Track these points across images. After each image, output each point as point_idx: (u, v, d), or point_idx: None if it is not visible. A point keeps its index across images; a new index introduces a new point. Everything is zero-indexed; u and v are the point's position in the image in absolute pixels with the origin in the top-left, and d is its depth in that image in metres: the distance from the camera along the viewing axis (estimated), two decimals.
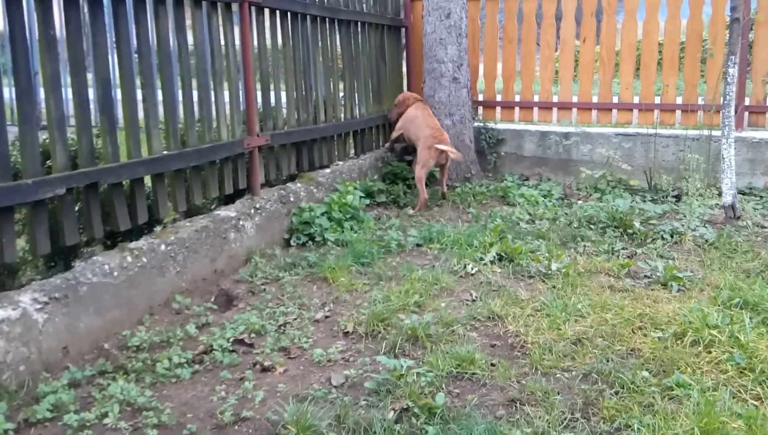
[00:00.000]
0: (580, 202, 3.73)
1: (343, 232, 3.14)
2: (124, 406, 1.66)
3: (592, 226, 3.25)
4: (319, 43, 3.66)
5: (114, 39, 2.35)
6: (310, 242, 3.06)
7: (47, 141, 2.12)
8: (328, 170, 3.65)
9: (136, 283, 2.17)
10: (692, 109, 4.17)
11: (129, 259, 2.18)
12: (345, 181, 3.58)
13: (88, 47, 2.38)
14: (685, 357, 1.86)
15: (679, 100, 4.28)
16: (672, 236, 3.09)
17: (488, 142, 4.47)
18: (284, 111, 3.36)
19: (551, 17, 4.51)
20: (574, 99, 4.53)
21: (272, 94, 3.25)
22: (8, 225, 1.91)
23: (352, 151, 4.15)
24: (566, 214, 3.47)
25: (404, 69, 4.81)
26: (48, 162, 2.13)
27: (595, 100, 4.52)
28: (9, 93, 3.18)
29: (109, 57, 2.35)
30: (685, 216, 3.38)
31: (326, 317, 2.26)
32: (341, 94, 3.95)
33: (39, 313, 1.83)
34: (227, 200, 2.95)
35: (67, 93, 2.36)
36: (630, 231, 3.16)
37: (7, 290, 1.89)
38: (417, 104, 3.98)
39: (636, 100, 4.41)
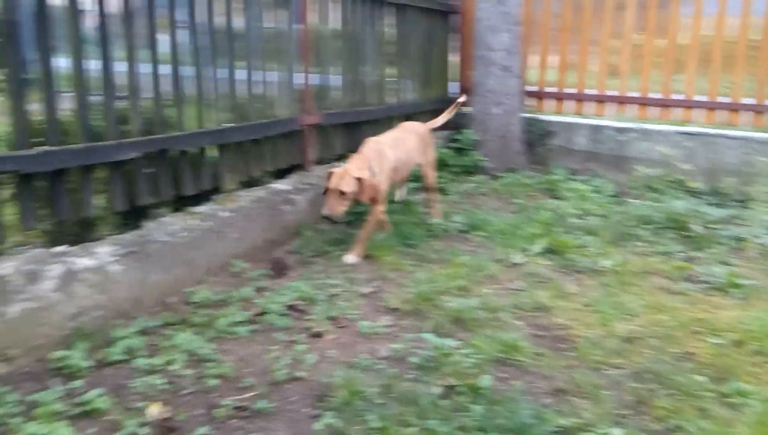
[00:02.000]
0: (633, 200, 3.61)
1: (388, 212, 3.18)
2: (188, 355, 1.79)
3: (646, 226, 3.14)
4: (373, 27, 3.68)
5: (188, 14, 2.46)
6: (357, 220, 3.12)
7: (125, 108, 2.26)
8: None
9: (198, 244, 2.31)
10: (763, 110, 3.92)
11: (193, 222, 2.31)
12: None
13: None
14: (744, 365, 1.80)
15: (748, 101, 4.03)
16: (734, 242, 2.95)
17: (537, 134, 4.37)
18: (337, 92, 3.42)
19: (611, 6, 4.32)
20: (632, 93, 4.35)
21: (327, 74, 3.31)
22: (89, 182, 2.08)
23: None
24: (618, 211, 3.37)
25: (451, 55, 4.75)
26: (125, 127, 2.28)
27: (655, 95, 4.32)
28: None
29: (183, 32, 2.46)
30: (749, 222, 3.21)
31: (372, 292, 2.33)
32: (391, 78, 3.97)
33: (114, 265, 1.99)
34: (280, 175, 3.06)
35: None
36: (688, 234, 3.03)
37: (86, 243, 2.06)
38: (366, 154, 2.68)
39: (700, 97, 4.19)
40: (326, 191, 2.48)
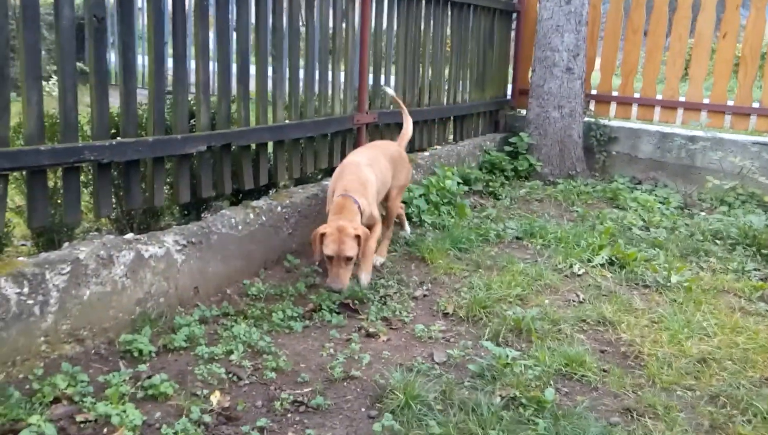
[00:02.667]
0: (703, 213, 3.38)
1: (440, 215, 3.14)
2: (246, 346, 1.82)
3: (718, 241, 2.93)
4: (431, 26, 3.64)
5: (255, 14, 2.52)
6: (408, 221, 3.09)
7: (192, 103, 2.34)
8: (427, 153, 3.65)
9: (255, 238, 2.35)
10: None
11: (251, 215, 2.36)
12: (443, 166, 3.57)
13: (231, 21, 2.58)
14: None
15: None
16: None
17: (598, 140, 4.18)
18: (392, 91, 3.41)
19: (687, 8, 4.08)
20: (706, 100, 4.07)
21: (383, 74, 3.30)
22: (160, 173, 2.16)
23: (451, 137, 4.12)
24: (687, 224, 3.16)
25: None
26: (192, 121, 2.35)
27: (730, 103, 4.03)
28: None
29: (249, 32, 2.52)
30: None
31: (424, 296, 2.29)
32: (447, 78, 3.92)
33: (178, 254, 2.05)
34: (332, 173, 3.07)
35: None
36: (765, 251, 2.80)
37: (152, 231, 2.14)
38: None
39: None
40: (320, 253, 2.09)
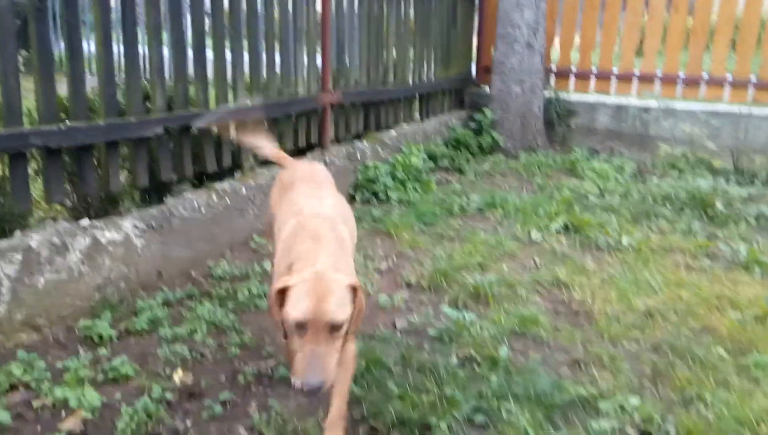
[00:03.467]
0: (655, 179, 3.53)
1: (406, 192, 3.18)
2: (210, 326, 1.83)
3: (668, 204, 3.08)
4: (393, 4, 3.63)
5: None
6: (374, 199, 3.13)
7: (147, 85, 2.29)
8: (393, 132, 3.68)
9: (219, 220, 2.35)
10: None
11: (215, 198, 2.35)
12: (409, 143, 3.60)
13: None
14: (765, 339, 1.78)
15: None
16: (757, 220, 2.87)
17: (558, 113, 4.28)
18: (356, 71, 3.40)
19: None
20: (659, 72, 4.21)
21: (347, 53, 3.29)
22: (114, 157, 2.12)
23: (417, 115, 4.15)
24: (640, 190, 3.30)
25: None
26: (147, 104, 2.31)
27: (682, 74, 4.18)
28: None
29: (204, 11, 2.46)
30: None
31: (390, 269, 2.34)
32: (411, 56, 3.92)
33: (138, 239, 2.03)
34: (299, 153, 3.07)
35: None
36: (710, 212, 2.96)
37: (109, 217, 2.11)
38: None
39: (729, 76, 4.04)
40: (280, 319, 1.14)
